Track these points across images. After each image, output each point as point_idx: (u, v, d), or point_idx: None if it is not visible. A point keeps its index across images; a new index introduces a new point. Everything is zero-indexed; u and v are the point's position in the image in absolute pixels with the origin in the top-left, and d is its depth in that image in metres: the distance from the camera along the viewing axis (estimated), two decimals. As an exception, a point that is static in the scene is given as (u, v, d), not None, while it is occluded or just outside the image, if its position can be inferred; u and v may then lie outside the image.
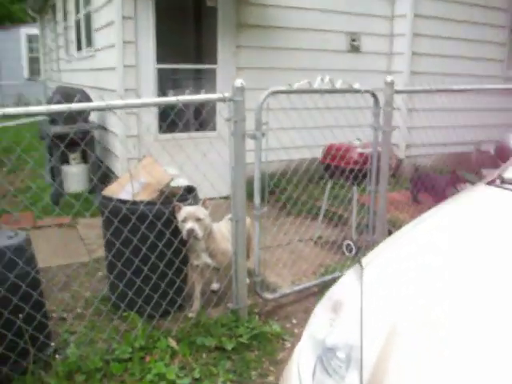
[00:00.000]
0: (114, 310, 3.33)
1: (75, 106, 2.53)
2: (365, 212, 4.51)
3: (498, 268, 1.54)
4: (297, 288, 3.75)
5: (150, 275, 3.11)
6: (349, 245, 4.54)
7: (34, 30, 15.49)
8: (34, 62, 16.58)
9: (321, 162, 4.71)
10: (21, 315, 2.43)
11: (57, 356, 2.84)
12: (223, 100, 2.93)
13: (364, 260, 1.71)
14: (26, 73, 17.09)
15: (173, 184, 3.58)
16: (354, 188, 4.51)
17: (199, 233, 3.08)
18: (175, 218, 3.15)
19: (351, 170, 4.33)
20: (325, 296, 1.65)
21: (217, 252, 3.29)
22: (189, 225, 3.05)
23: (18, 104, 15.61)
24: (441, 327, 1.32)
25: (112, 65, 5.59)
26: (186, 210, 3.10)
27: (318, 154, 4.62)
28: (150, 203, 3.10)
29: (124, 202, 3.13)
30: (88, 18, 7.11)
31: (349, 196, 4.72)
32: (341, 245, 4.58)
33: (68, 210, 5.43)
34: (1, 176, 6.79)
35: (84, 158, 6.31)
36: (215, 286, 3.75)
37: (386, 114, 3.89)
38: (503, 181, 2.26)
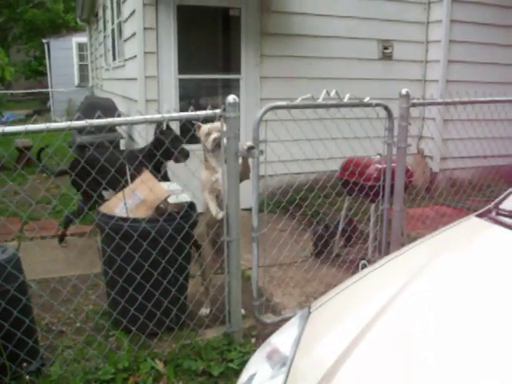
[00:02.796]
0: (111, 327, 3.29)
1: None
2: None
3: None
4: (299, 311, 3.58)
5: (136, 295, 3.04)
6: (364, 265, 4.31)
7: (83, 39, 15.96)
8: (83, 70, 17.09)
9: (338, 177, 4.53)
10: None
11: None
12: (214, 116, 2.83)
13: (314, 304, 1.55)
14: (76, 80, 17.64)
15: (174, 200, 3.51)
16: (372, 206, 4.31)
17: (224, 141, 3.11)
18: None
19: (370, 187, 4.12)
20: (265, 342, 1.52)
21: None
22: (214, 135, 3.21)
23: (67, 110, 16.15)
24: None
25: (134, 75, 5.61)
26: (206, 126, 3.27)
27: (328, 166, 4.46)
28: (137, 221, 3.04)
29: (112, 217, 3.09)
30: (119, 28, 7.21)
31: (368, 213, 4.50)
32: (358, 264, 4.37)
33: (91, 219, 5.46)
34: (38, 181, 6.98)
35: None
36: (204, 310, 3.62)
37: (400, 129, 3.68)
38: (499, 212, 1.97)
